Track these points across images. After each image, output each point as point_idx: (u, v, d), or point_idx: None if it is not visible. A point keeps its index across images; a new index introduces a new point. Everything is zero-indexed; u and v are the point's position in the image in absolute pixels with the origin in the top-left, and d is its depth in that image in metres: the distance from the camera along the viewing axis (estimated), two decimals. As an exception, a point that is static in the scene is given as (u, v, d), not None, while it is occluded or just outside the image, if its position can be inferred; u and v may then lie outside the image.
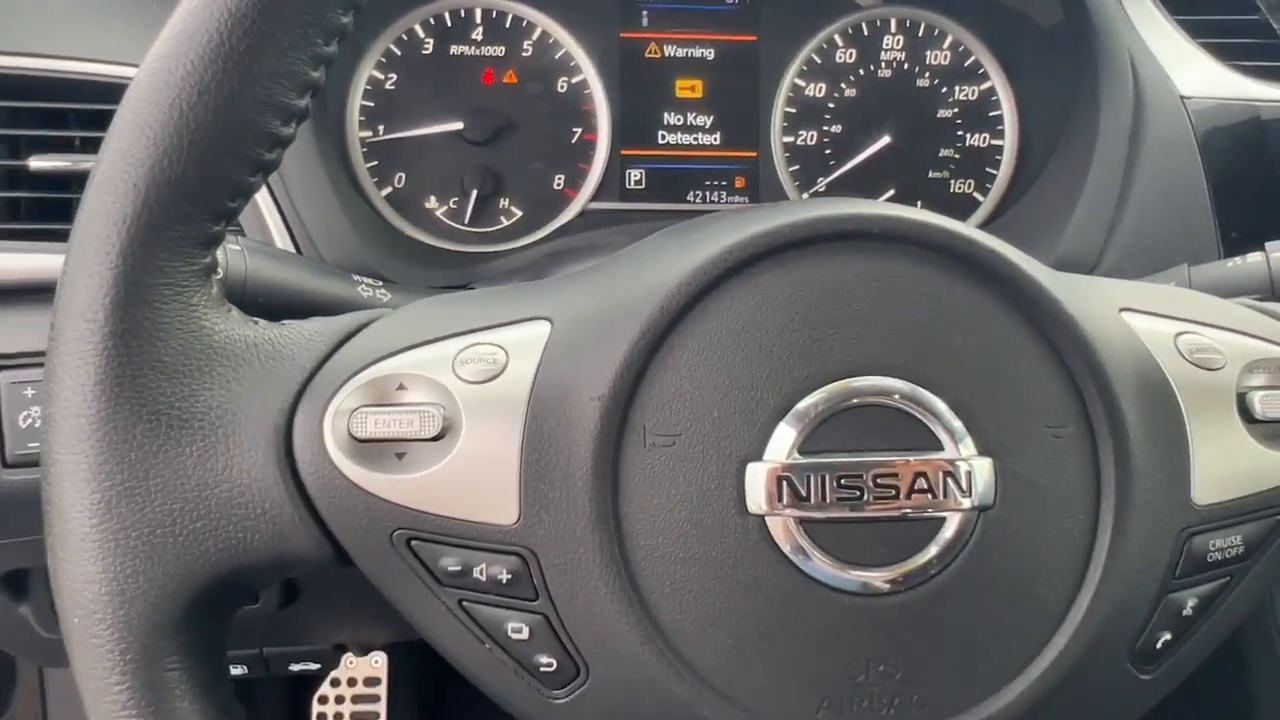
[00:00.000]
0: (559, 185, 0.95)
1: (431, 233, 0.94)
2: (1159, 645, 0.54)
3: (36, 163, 0.77)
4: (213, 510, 0.49)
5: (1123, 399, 0.51)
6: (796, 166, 0.97)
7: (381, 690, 1.28)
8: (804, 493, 0.49)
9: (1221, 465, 0.53)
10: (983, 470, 0.50)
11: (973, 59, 0.97)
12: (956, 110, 0.97)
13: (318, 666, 1.13)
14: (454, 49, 0.93)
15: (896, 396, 0.50)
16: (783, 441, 0.50)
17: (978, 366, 0.51)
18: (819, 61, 0.97)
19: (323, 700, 1.29)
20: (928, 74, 0.97)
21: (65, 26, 0.81)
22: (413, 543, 0.50)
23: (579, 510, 0.49)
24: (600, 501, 0.49)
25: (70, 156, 0.78)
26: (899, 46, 0.97)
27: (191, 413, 0.49)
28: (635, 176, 0.97)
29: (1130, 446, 0.51)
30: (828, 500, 0.49)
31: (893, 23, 0.97)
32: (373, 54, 0.93)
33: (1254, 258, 0.74)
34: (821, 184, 0.97)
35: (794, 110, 0.97)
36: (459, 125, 0.93)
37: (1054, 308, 0.51)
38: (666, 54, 0.96)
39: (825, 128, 0.97)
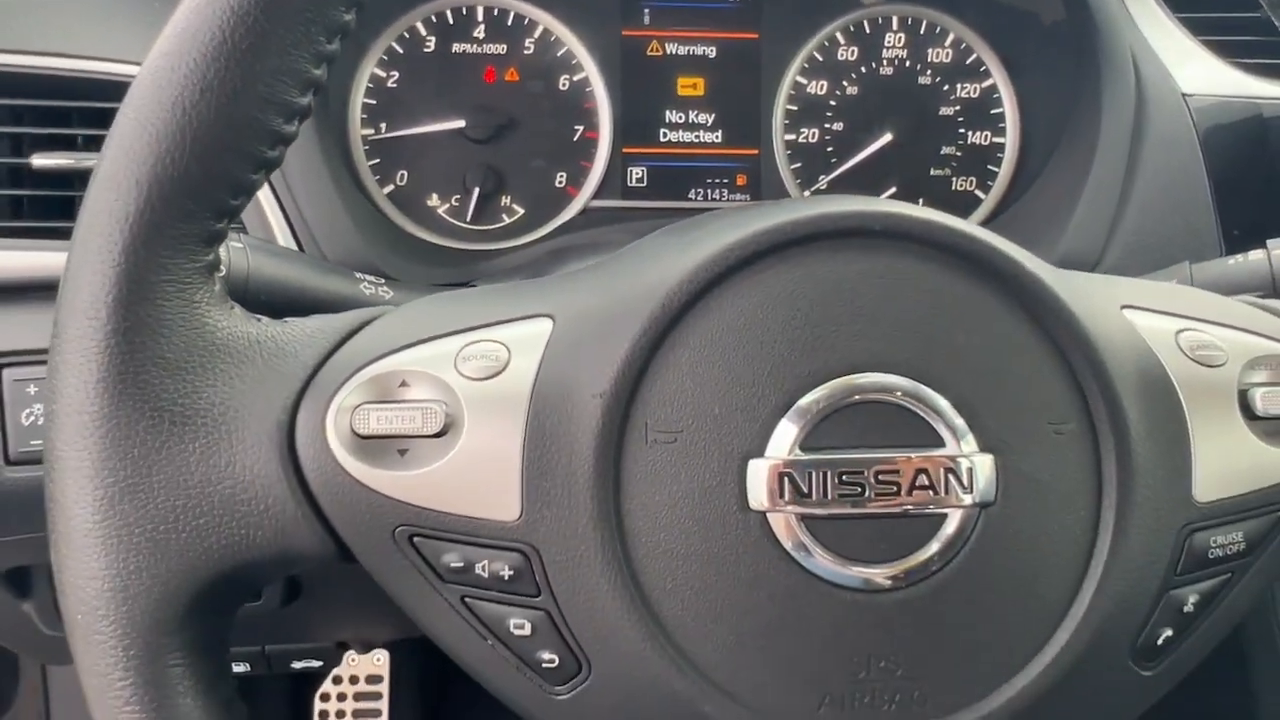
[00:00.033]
0: (561, 183, 0.95)
1: (433, 230, 0.94)
2: (1160, 642, 0.54)
3: (39, 160, 0.77)
4: (215, 507, 0.49)
5: (1124, 396, 0.51)
6: (798, 164, 0.97)
7: (383, 688, 1.29)
8: (806, 489, 0.49)
9: (1223, 462, 0.54)
10: (984, 467, 0.50)
11: (974, 56, 0.97)
12: (958, 108, 0.97)
13: (320, 664, 1.13)
14: (456, 47, 0.93)
15: (898, 393, 0.50)
16: (784, 438, 0.50)
17: (980, 363, 0.51)
18: (820, 59, 0.97)
19: (325, 698, 1.29)
20: (929, 71, 0.97)
21: (68, 24, 0.81)
22: (415, 539, 0.50)
23: (581, 507, 0.49)
24: (602, 498, 0.49)
25: (73, 154, 0.78)
26: (900, 44, 0.97)
27: (194, 409, 0.49)
28: (637, 174, 0.97)
29: (1132, 443, 0.51)
30: (829, 497, 0.49)
31: (894, 20, 0.97)
32: (375, 52, 0.93)
33: (1255, 255, 0.74)
34: (823, 182, 0.97)
35: (795, 108, 0.97)
36: (461, 123, 0.93)
37: (1056, 305, 0.51)
38: (668, 52, 0.96)
39: (827, 125, 0.97)
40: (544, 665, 0.51)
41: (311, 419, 0.50)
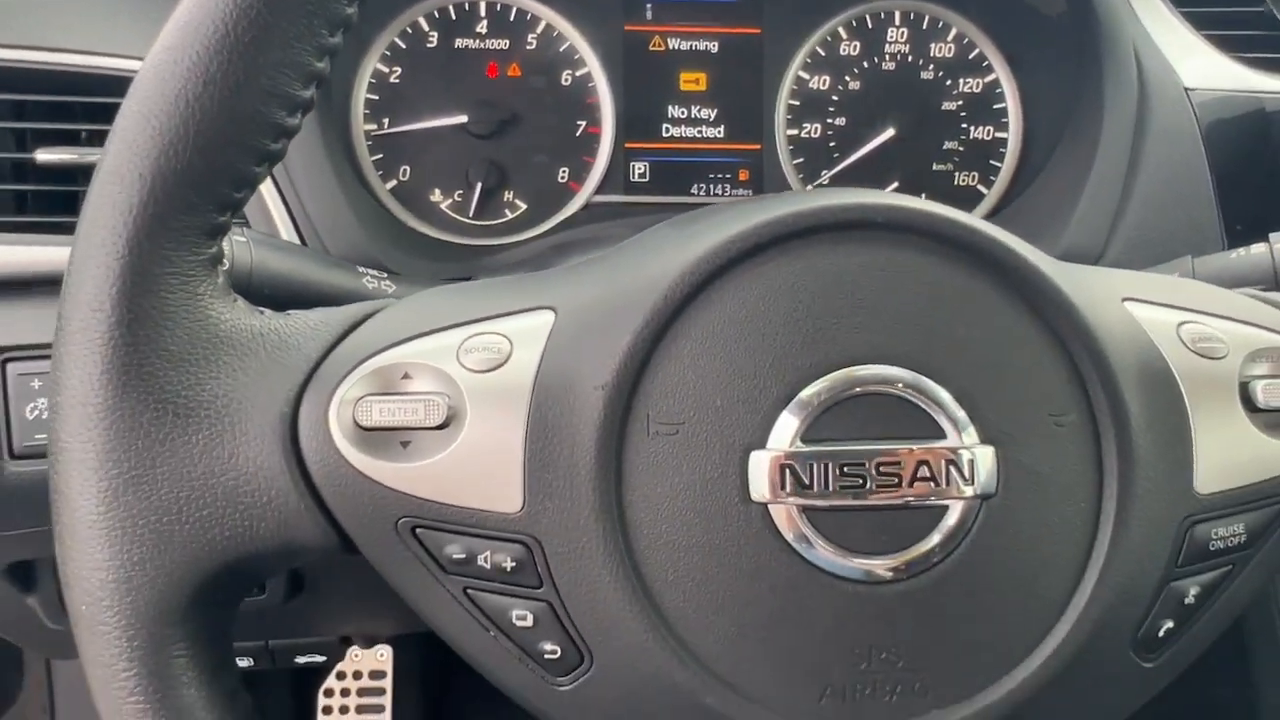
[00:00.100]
0: (563, 178, 0.96)
1: (436, 226, 0.94)
2: (1161, 633, 0.54)
3: (43, 155, 0.77)
4: (219, 498, 0.50)
5: (1125, 388, 0.51)
6: (801, 159, 0.97)
7: (387, 683, 1.29)
8: (807, 481, 0.49)
9: (1224, 454, 0.54)
10: (985, 459, 0.50)
11: (977, 51, 0.97)
12: (961, 103, 0.97)
13: (323, 659, 1.14)
14: (458, 42, 0.93)
15: (899, 385, 0.50)
16: (786, 430, 0.50)
17: (981, 355, 0.51)
18: (823, 54, 0.97)
19: (328, 693, 1.29)
20: (932, 66, 0.97)
21: (72, 20, 0.81)
22: (417, 530, 0.51)
23: (583, 499, 0.49)
24: (604, 490, 0.49)
25: (77, 149, 0.78)
26: (903, 39, 0.97)
27: (198, 401, 0.49)
28: (639, 169, 0.97)
29: (1133, 435, 0.51)
30: (830, 488, 0.50)
31: (896, 15, 0.97)
32: (377, 47, 0.93)
33: (1258, 249, 0.74)
34: (825, 177, 0.97)
35: (798, 103, 0.97)
36: (463, 118, 0.93)
37: (1057, 297, 0.51)
38: (670, 47, 0.96)
39: (829, 120, 0.97)
40: (546, 656, 0.51)
41: (314, 411, 0.51)
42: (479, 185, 0.93)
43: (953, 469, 0.50)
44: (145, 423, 0.48)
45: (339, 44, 0.50)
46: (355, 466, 0.50)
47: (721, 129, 0.97)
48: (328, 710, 1.30)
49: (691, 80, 0.96)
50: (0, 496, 0.75)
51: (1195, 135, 0.88)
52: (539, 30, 0.94)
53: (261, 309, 0.53)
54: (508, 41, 0.94)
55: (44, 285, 0.75)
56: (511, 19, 0.94)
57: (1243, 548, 0.54)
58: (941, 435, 0.50)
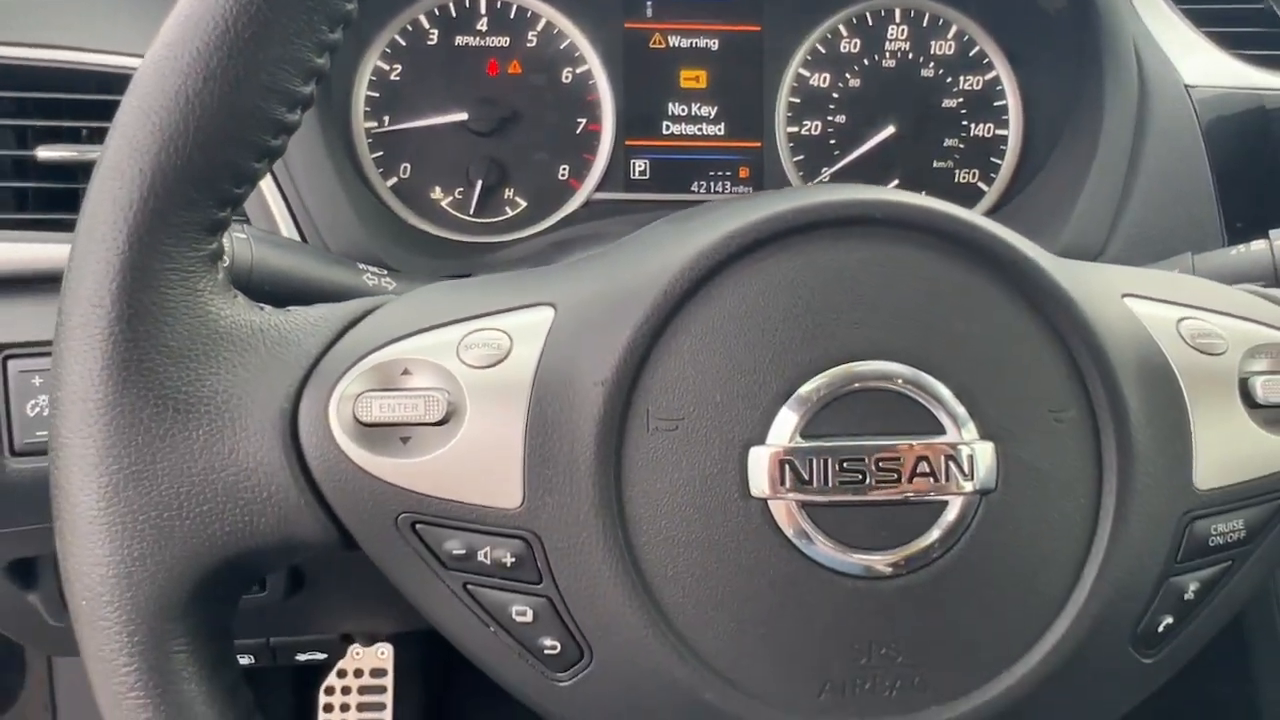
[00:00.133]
0: (564, 176, 0.96)
1: (437, 223, 0.94)
2: (1161, 629, 0.54)
3: (44, 153, 0.78)
4: (219, 494, 0.50)
5: (1125, 384, 0.51)
6: (801, 157, 0.97)
7: (388, 681, 1.29)
8: (806, 476, 0.49)
9: (1223, 450, 0.54)
10: (985, 454, 0.50)
11: (977, 49, 0.97)
12: (961, 100, 0.97)
13: (324, 656, 1.14)
14: (459, 40, 0.94)
15: (899, 381, 0.50)
16: (785, 425, 0.50)
17: (980, 351, 0.51)
18: (823, 51, 0.97)
19: (329, 691, 1.29)
20: (932, 64, 0.97)
21: (73, 18, 0.81)
22: (417, 526, 0.51)
23: (582, 494, 0.49)
24: (603, 486, 0.49)
25: (77, 147, 0.78)
26: (903, 36, 0.97)
27: (198, 397, 0.49)
28: (640, 167, 0.97)
29: (1132, 431, 0.51)
30: (830, 484, 0.50)
31: (897, 13, 0.97)
32: (378, 45, 0.93)
33: (1258, 245, 0.74)
34: (826, 174, 0.97)
35: (798, 100, 0.97)
36: (464, 116, 0.93)
37: (1056, 292, 0.51)
38: (671, 44, 0.96)
39: (830, 118, 0.97)
40: (546, 652, 0.51)
41: (314, 407, 0.51)
42: (479, 183, 0.93)
43: (952, 464, 0.50)
44: (145, 418, 0.48)
45: (339, 40, 0.50)
46: (355, 462, 0.50)
47: (722, 126, 0.97)
48: (329, 708, 1.30)
49: (692, 77, 0.97)
50: (1, 493, 0.75)
51: (1195, 132, 0.88)
52: (539, 28, 0.94)
53: (261, 305, 0.53)
54: (508, 39, 0.94)
55: (45, 282, 0.75)
56: (512, 16, 0.94)
57: (1242, 543, 0.54)
58: (941, 431, 0.50)
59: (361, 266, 0.74)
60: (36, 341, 0.74)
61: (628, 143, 0.96)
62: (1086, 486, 0.51)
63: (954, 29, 0.97)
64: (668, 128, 0.97)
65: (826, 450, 0.50)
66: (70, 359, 0.48)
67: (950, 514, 0.50)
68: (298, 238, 0.81)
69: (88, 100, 0.79)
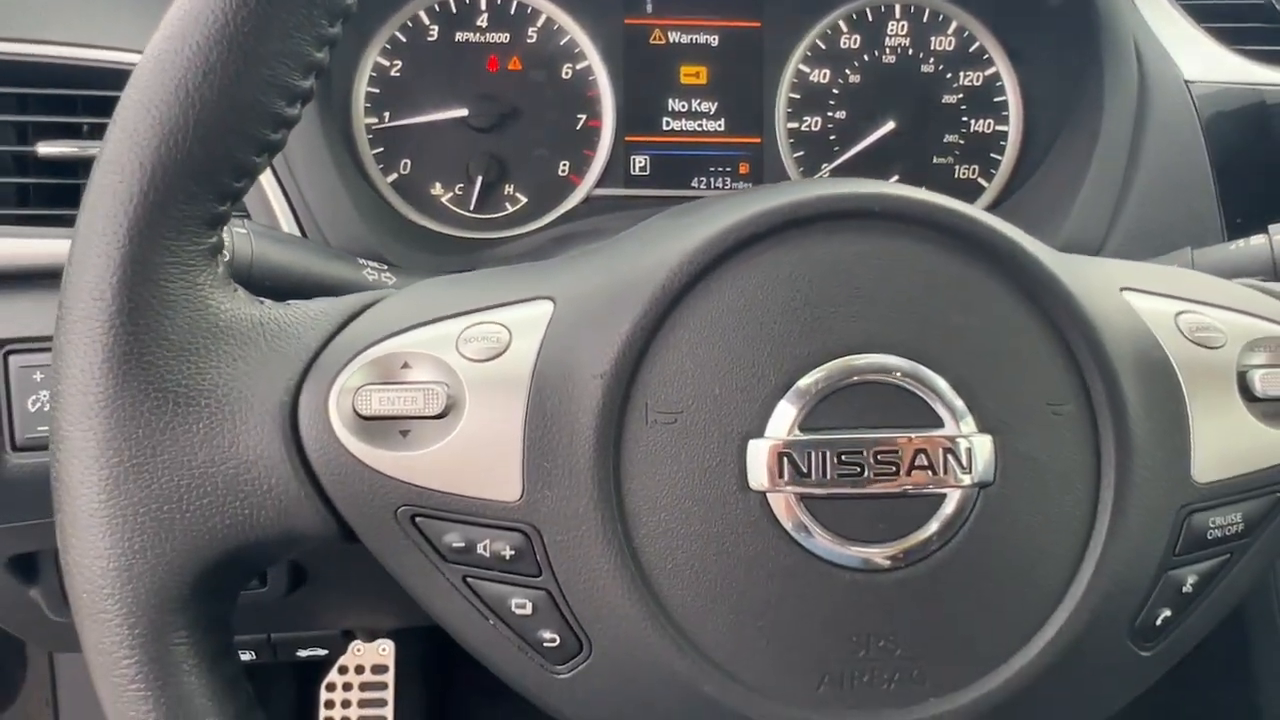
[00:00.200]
0: (564, 172, 0.96)
1: (437, 219, 0.94)
2: (1159, 622, 0.54)
3: (45, 148, 0.78)
4: (219, 486, 0.50)
5: (1123, 377, 0.51)
6: (801, 152, 0.97)
7: (389, 677, 1.29)
8: (805, 469, 0.50)
9: (1221, 443, 0.54)
10: (983, 447, 0.50)
11: (977, 44, 0.97)
12: (961, 96, 0.97)
13: (325, 653, 1.14)
14: (459, 36, 0.94)
15: (897, 374, 0.51)
16: (784, 418, 0.50)
17: (979, 344, 0.51)
18: (823, 47, 0.97)
19: (331, 688, 1.29)
20: (932, 59, 0.97)
21: (74, 13, 0.81)
22: (417, 519, 0.51)
23: (581, 487, 0.49)
24: (602, 478, 0.49)
25: (78, 142, 0.79)
26: (903, 32, 0.97)
27: (198, 390, 0.49)
28: (640, 163, 0.97)
29: (1130, 424, 0.51)
30: (829, 477, 0.50)
31: (896, 8, 0.97)
32: (378, 41, 0.93)
33: (1257, 240, 0.74)
34: (825, 170, 0.98)
35: (798, 96, 0.97)
36: (464, 112, 0.93)
37: (1055, 286, 0.51)
38: (671, 40, 0.96)
39: (830, 114, 0.97)
40: (545, 644, 0.52)
41: (314, 400, 0.51)
42: (479, 179, 0.93)
43: (950, 458, 0.50)
44: (146, 411, 0.49)
45: (338, 34, 0.51)
46: (355, 455, 0.50)
47: (722, 122, 0.97)
48: (330, 704, 1.30)
49: (692, 73, 0.97)
50: (2, 488, 0.75)
51: (1195, 127, 0.88)
52: (539, 24, 0.94)
53: (261, 299, 0.53)
54: (508, 35, 0.94)
55: (46, 278, 0.75)
56: (512, 12, 0.94)
57: (1240, 536, 0.55)
58: (939, 424, 0.51)
59: (362, 262, 0.74)
60: (37, 336, 0.75)
61: (628, 139, 0.96)
62: (1085, 480, 0.51)
63: (954, 25, 0.97)
64: (668, 124, 0.97)
65: (825, 443, 0.50)
66: (71, 352, 0.48)
67: (948, 507, 0.50)
68: (298, 233, 0.81)
69: (88, 96, 0.79)
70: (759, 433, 0.50)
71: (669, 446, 0.50)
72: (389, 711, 1.29)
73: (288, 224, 0.81)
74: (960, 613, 0.51)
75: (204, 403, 0.50)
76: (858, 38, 0.97)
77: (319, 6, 0.49)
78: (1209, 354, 0.55)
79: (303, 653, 1.11)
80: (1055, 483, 0.51)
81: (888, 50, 0.97)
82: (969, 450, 0.50)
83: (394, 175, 0.94)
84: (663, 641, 0.50)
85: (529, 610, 0.51)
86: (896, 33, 0.97)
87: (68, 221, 0.74)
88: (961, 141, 0.98)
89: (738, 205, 0.52)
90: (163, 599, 0.49)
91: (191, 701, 0.50)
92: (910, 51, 0.97)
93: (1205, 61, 0.91)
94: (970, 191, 0.98)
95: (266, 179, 0.81)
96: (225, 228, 0.52)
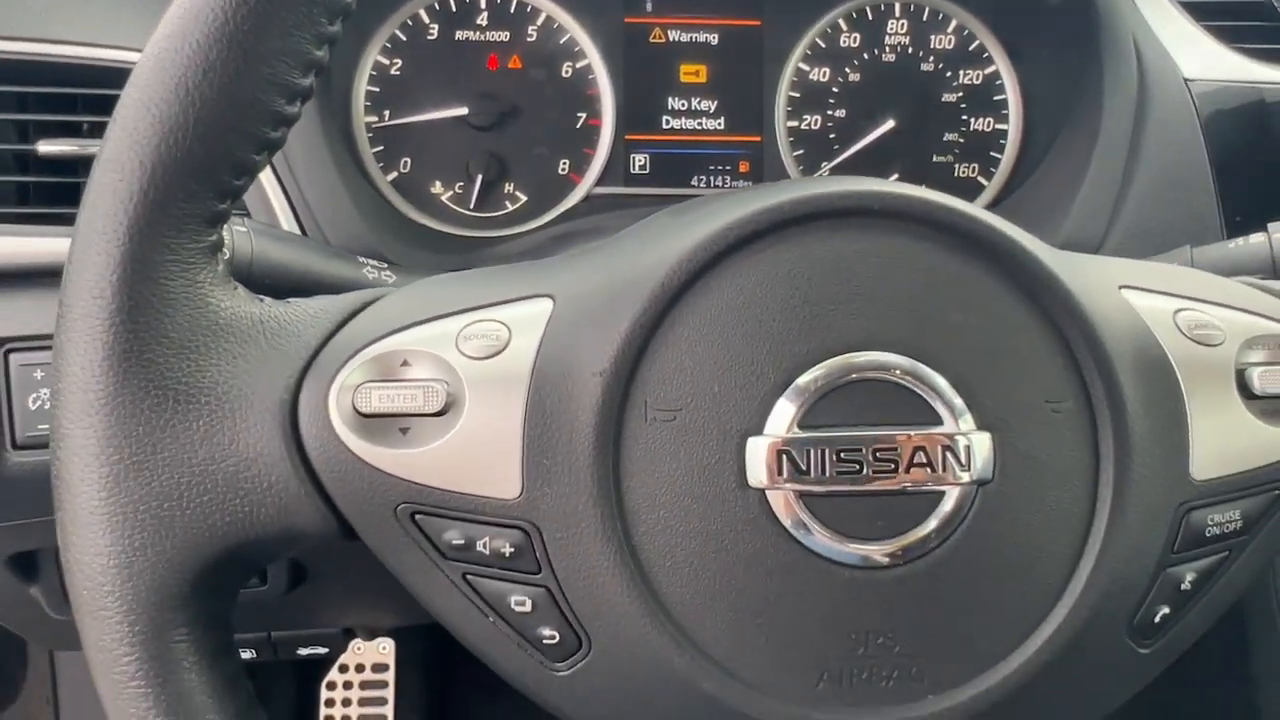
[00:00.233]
0: (564, 170, 0.96)
1: (437, 217, 0.94)
2: (1157, 619, 0.54)
3: (45, 147, 0.78)
4: (220, 484, 0.50)
5: (1121, 375, 0.52)
6: (801, 151, 0.97)
7: (389, 676, 1.29)
8: (804, 467, 0.50)
9: (1220, 440, 0.54)
10: (982, 445, 0.50)
11: (977, 43, 0.97)
12: (961, 94, 0.97)
13: (325, 651, 1.14)
14: (459, 34, 0.94)
15: (896, 372, 0.51)
16: (783, 416, 0.50)
17: (977, 342, 0.51)
18: (823, 46, 0.97)
19: (331, 686, 1.29)
20: (932, 58, 0.97)
21: (74, 12, 0.81)
22: (416, 516, 0.51)
23: (581, 485, 0.49)
24: (602, 476, 0.49)
25: (78, 141, 0.79)
26: (903, 31, 0.97)
27: (198, 388, 0.50)
28: (640, 161, 0.97)
29: (1129, 422, 0.51)
30: (827, 474, 0.50)
31: (896, 7, 0.97)
32: (378, 39, 0.93)
33: (1256, 238, 0.74)
34: (825, 168, 0.98)
35: (798, 95, 0.97)
36: (464, 110, 0.93)
37: (1053, 284, 0.51)
38: (671, 39, 0.96)
39: (829, 112, 0.97)
40: (544, 642, 0.52)
41: (314, 398, 0.51)
42: (479, 177, 0.93)
43: (949, 455, 0.50)
44: (146, 409, 0.49)
45: (338, 33, 0.51)
46: (355, 452, 0.50)
47: (722, 121, 0.97)
48: (330, 703, 1.30)
49: (691, 72, 0.97)
50: (3, 486, 0.75)
51: (1195, 126, 0.88)
52: (539, 22, 0.94)
53: (261, 297, 0.54)
54: (508, 34, 0.94)
55: (46, 276, 0.75)
56: (512, 11, 0.94)
57: (1239, 534, 0.55)
58: (938, 421, 0.51)
59: (362, 260, 0.74)
60: (37, 335, 0.75)
61: (628, 137, 0.96)
62: (1083, 477, 0.52)
63: (954, 23, 0.97)
64: (668, 122, 0.97)
65: (824, 440, 0.50)
66: (71, 350, 0.48)
67: (947, 504, 0.50)
68: (298, 231, 0.81)
69: (88, 94, 0.79)
70: (758, 430, 0.50)
71: (668, 444, 0.50)
72: (389, 710, 1.29)
73: (288, 222, 0.81)
74: (959, 610, 0.51)
75: (204, 400, 0.50)
76: (857, 36, 0.97)
77: (319, 5, 0.49)
78: (1207, 352, 0.55)
79: (303, 651, 1.11)
80: (1054, 480, 0.51)
81: (887, 49, 0.97)
82: (968, 448, 0.50)
83: (394, 174, 0.94)
84: (662, 639, 0.50)
85: (528, 607, 0.51)
86: (896, 31, 0.97)
87: (68, 220, 0.74)
88: (961, 140, 0.98)
89: (737, 203, 0.52)
90: (163, 596, 0.49)
91: (192, 699, 0.50)
92: (910, 50, 0.97)
93: (1205, 60, 0.91)
94: (970, 190, 0.98)
95: (266, 177, 0.81)
96: (225, 226, 0.52)
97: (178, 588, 0.50)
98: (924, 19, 0.97)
